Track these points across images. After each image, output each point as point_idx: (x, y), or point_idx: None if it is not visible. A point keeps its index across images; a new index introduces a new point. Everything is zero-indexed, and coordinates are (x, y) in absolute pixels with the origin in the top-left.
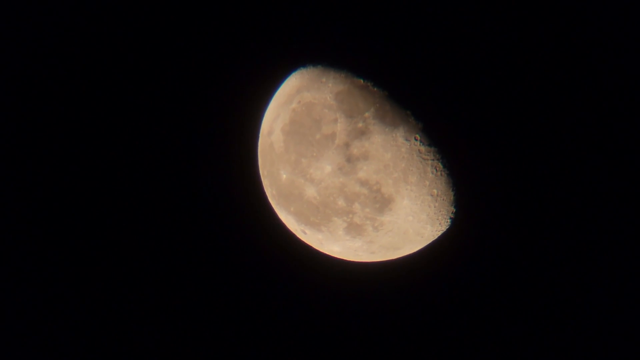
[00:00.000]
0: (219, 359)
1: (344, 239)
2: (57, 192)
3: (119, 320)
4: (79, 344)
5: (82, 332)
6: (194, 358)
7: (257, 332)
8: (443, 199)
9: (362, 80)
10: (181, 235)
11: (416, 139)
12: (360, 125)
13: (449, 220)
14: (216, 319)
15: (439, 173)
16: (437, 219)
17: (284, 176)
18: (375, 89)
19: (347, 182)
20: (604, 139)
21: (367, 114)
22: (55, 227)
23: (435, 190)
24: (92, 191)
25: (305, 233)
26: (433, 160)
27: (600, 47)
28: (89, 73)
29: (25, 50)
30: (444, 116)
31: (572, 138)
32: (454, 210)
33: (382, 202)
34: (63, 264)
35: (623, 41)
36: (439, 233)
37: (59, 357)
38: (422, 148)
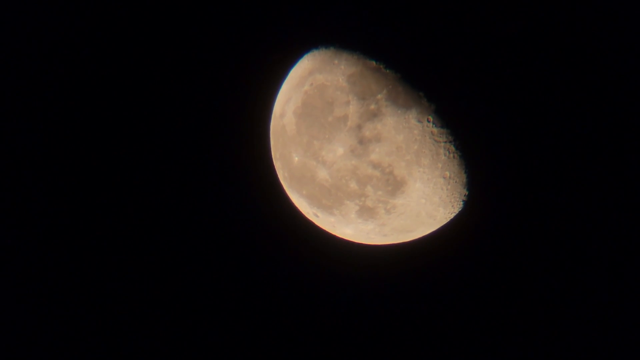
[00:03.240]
0: (231, 342)
1: (356, 222)
2: (69, 190)
3: (135, 307)
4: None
5: (97, 326)
6: (207, 340)
7: (270, 315)
8: (455, 182)
9: (374, 62)
10: (193, 218)
11: (429, 121)
12: (372, 107)
13: (461, 203)
14: (228, 302)
15: (451, 155)
16: (450, 202)
17: (296, 159)
18: (388, 70)
19: (359, 164)
20: (619, 119)
21: (379, 96)
22: (70, 225)
23: (447, 173)
24: (104, 184)
25: (317, 216)
26: (446, 142)
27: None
28: (104, 61)
29: (31, 53)
30: (457, 98)
31: (586, 120)
32: (467, 192)
33: (394, 185)
34: (83, 260)
35: None
36: (452, 215)
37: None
38: (435, 130)
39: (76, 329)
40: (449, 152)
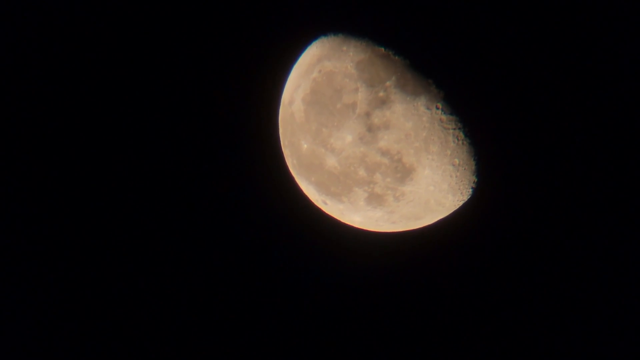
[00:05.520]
0: (239, 328)
1: (365, 209)
2: (81, 187)
3: (147, 299)
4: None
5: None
6: (217, 327)
7: (278, 302)
8: (465, 169)
9: (383, 49)
10: (202, 206)
11: (438, 108)
12: (381, 94)
13: (470, 190)
14: (237, 290)
15: (460, 142)
16: (459, 189)
17: (305, 146)
18: (397, 57)
19: (368, 151)
20: (632, 105)
21: (388, 83)
22: (84, 222)
23: (456, 160)
24: (106, 182)
25: (326, 203)
26: (454, 129)
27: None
28: (108, 58)
29: (32, 53)
30: (466, 85)
31: (597, 107)
32: (476, 179)
33: (403, 172)
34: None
35: None
36: (461, 203)
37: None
38: (444, 117)
39: (95, 327)
40: (458, 139)
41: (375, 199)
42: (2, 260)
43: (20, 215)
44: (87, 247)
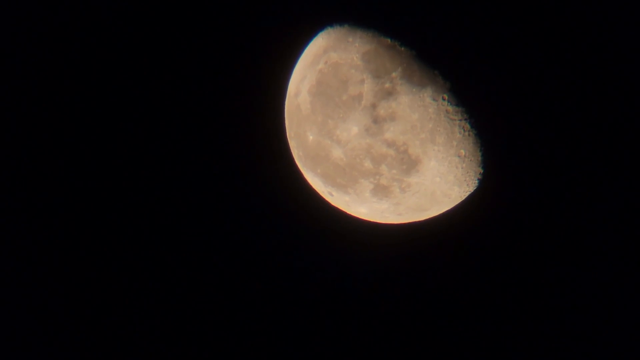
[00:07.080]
0: (245, 319)
1: (371, 201)
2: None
3: (156, 291)
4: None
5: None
6: (223, 319)
7: (284, 294)
8: (471, 160)
9: (389, 40)
10: (208, 198)
11: (444, 99)
12: (387, 85)
13: (476, 181)
14: (242, 281)
15: (466, 133)
16: (465, 180)
17: (311, 138)
18: (403, 48)
19: (373, 143)
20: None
21: (394, 74)
22: (91, 217)
23: (462, 151)
24: (109, 176)
25: (331, 195)
26: (461, 120)
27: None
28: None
29: (33, 53)
30: (472, 76)
31: (604, 98)
32: (482, 171)
33: (409, 164)
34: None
35: None
36: (467, 194)
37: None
38: (450, 108)
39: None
40: (464, 130)
41: (381, 191)
42: (2, 260)
43: (24, 217)
44: (94, 248)
